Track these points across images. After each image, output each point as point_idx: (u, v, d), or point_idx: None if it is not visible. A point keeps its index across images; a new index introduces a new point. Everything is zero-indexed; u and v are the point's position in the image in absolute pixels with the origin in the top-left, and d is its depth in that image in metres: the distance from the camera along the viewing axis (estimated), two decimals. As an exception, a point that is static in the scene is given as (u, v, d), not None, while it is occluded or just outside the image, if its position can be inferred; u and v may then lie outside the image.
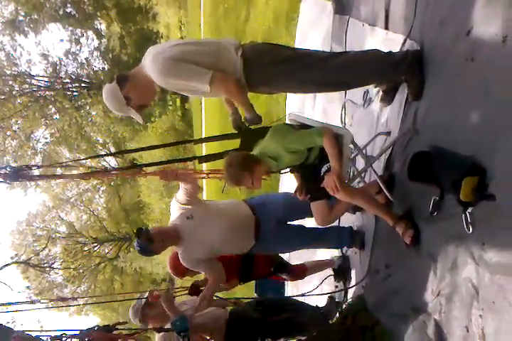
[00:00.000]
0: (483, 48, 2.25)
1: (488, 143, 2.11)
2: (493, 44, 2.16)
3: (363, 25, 3.89)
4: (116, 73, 2.82)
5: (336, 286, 4.28)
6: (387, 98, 3.26)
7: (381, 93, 3.33)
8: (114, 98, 2.75)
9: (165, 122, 25.95)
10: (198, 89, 2.73)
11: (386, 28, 3.47)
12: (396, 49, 3.13)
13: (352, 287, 3.66)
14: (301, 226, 3.96)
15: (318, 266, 4.38)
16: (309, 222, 4.15)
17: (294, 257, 5.02)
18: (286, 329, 3.93)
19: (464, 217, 2.17)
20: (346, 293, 3.93)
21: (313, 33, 6.10)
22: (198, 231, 3.55)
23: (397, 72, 2.86)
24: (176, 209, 3.74)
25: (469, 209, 2.14)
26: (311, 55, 2.90)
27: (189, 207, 3.64)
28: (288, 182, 6.50)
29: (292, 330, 4.00)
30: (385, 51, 2.92)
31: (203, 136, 22.24)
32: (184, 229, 3.57)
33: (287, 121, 3.19)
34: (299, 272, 4.29)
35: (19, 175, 2.83)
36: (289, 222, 3.82)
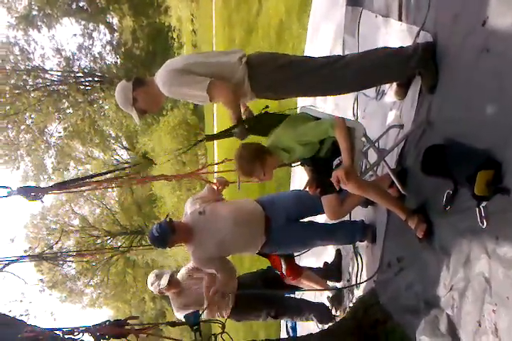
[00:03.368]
0: (498, 39, 2.21)
1: (503, 136, 2.07)
2: (509, 34, 2.12)
3: (376, 16, 3.84)
4: (135, 75, 3.16)
5: (348, 280, 4.26)
6: (402, 91, 3.22)
7: (395, 86, 3.29)
8: (123, 96, 2.98)
9: (176, 116, 25.95)
10: (198, 97, 2.88)
11: (399, 19, 3.42)
12: (410, 40, 3.08)
13: (364, 282, 3.64)
14: (313, 223, 3.94)
15: (315, 283, 4.25)
16: (320, 219, 4.13)
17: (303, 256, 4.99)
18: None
19: (478, 211, 2.14)
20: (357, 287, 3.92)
21: (325, 25, 6.05)
22: (209, 225, 3.56)
23: (409, 68, 2.83)
24: (189, 204, 3.78)
25: (483, 204, 2.11)
26: (317, 59, 2.93)
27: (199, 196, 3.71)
28: (299, 176, 6.48)
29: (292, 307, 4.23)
30: (395, 47, 2.88)
31: (215, 130, 22.23)
32: (196, 225, 3.58)
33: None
34: (295, 271, 4.10)
35: (32, 195, 2.83)
36: (299, 219, 3.80)
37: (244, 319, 4.35)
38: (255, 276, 4.37)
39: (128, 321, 2.74)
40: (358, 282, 3.83)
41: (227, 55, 2.93)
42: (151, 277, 4.07)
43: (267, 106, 3.02)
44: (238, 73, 2.82)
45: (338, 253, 4.55)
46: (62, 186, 2.88)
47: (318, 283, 4.18)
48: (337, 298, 4.21)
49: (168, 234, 3.49)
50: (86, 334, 2.59)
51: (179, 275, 4.25)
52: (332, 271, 4.48)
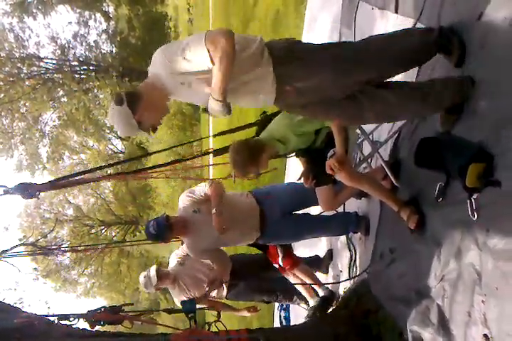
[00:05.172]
0: (492, 33, 2.22)
1: (495, 129, 2.09)
2: (502, 29, 2.13)
3: (373, 8, 3.85)
4: (123, 93, 2.35)
5: (341, 271, 4.30)
6: None
7: None
8: (127, 125, 2.35)
9: (172, 106, 25.88)
10: (198, 62, 2.20)
11: (396, 11, 3.43)
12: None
13: (358, 275, 3.67)
14: (307, 215, 3.96)
15: (309, 277, 4.16)
16: (314, 210, 4.16)
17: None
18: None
19: (469, 203, 2.17)
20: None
21: (322, 16, 6.05)
22: (204, 224, 3.56)
23: (433, 41, 2.44)
24: (183, 200, 3.74)
25: (475, 196, 2.14)
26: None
27: (196, 197, 3.66)
28: (294, 168, 6.50)
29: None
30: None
31: (210, 120, 22.17)
32: (191, 222, 3.59)
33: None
34: (292, 261, 4.07)
35: (28, 193, 2.80)
36: (294, 212, 3.81)
37: (240, 300, 4.52)
38: (251, 260, 4.38)
39: (123, 308, 2.77)
40: (353, 275, 3.86)
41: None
42: (141, 280, 4.07)
43: (264, 112, 3.04)
44: (256, 44, 2.27)
45: (330, 253, 4.60)
46: (58, 182, 2.85)
47: (312, 278, 4.18)
48: (329, 298, 4.10)
49: (166, 232, 3.51)
50: (81, 320, 2.62)
51: (170, 264, 4.31)
52: (319, 266, 4.56)
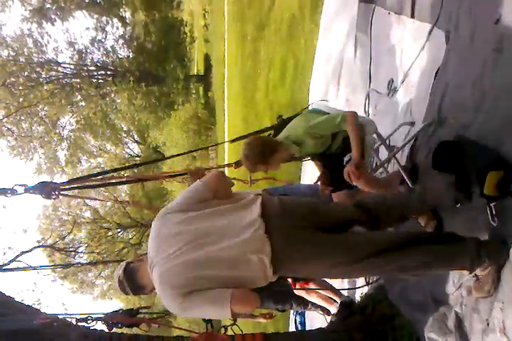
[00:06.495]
0: (510, 38, 2.21)
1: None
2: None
3: (389, 13, 3.84)
4: (125, 282, 2.33)
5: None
6: None
7: None
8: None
9: (188, 110, 26.00)
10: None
11: (412, 16, 3.42)
12: (423, 38, 3.08)
13: (375, 281, 3.65)
14: None
15: (324, 290, 4.08)
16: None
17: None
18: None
19: (488, 209, 2.15)
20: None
21: (337, 21, 6.04)
22: None
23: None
24: None
25: (493, 203, 2.12)
26: None
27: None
28: (309, 171, 6.49)
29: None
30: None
31: (226, 124, 22.26)
32: None
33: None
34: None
35: (48, 192, 2.86)
36: None
37: None
38: None
39: (140, 310, 2.80)
40: (369, 281, 3.83)
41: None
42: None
43: (280, 116, 3.05)
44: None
45: None
46: (77, 182, 2.90)
47: (328, 290, 4.11)
48: (349, 303, 4.00)
49: None
50: (99, 323, 2.65)
51: None
52: None
